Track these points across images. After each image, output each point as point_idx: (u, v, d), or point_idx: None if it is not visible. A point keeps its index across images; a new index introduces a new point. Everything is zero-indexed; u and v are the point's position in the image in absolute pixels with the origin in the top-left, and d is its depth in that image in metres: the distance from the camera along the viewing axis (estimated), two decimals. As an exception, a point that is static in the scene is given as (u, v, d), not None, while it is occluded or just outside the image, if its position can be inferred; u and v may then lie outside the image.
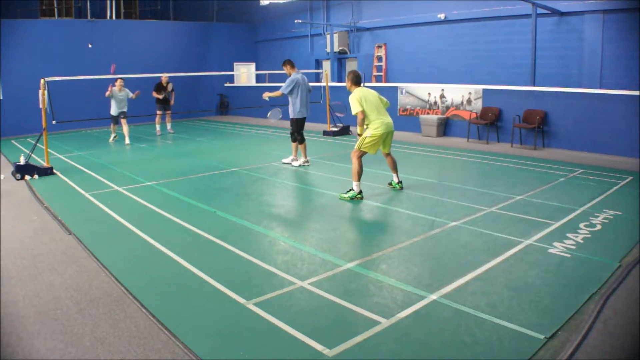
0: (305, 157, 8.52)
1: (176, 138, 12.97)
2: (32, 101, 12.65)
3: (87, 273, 4.08)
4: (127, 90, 11.74)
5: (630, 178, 7.25)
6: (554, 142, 10.17)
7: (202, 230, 5.08)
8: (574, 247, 4.44)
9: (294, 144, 8.43)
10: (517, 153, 9.70)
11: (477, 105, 11.53)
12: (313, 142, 11.71)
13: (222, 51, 19.45)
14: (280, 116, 8.58)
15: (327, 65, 17.15)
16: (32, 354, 2.88)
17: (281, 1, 18.13)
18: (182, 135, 13.45)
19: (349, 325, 3.14)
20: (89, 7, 17.00)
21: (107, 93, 11.49)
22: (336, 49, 16.60)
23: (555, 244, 4.52)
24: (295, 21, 16.93)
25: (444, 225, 5.13)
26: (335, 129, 12.62)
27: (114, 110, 11.74)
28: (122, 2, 19.64)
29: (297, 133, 8.32)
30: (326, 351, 2.84)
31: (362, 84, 6.47)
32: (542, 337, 2.95)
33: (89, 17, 16.72)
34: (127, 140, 11.82)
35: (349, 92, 6.38)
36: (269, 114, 8.62)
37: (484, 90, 11.42)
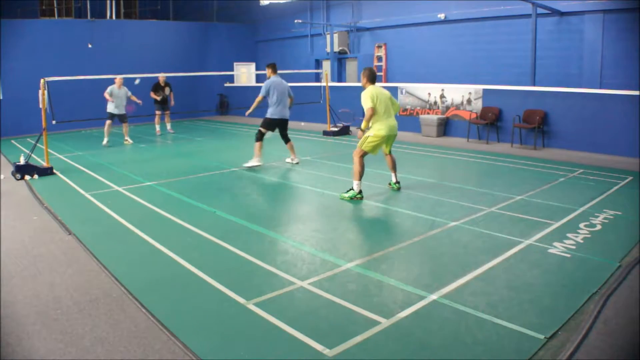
0: (295, 155, 8.67)
1: (176, 138, 12.97)
2: (32, 101, 12.65)
3: (87, 273, 4.08)
4: (126, 88, 11.65)
5: (630, 178, 7.25)
6: (554, 142, 10.16)
7: (202, 230, 5.08)
8: (574, 247, 4.44)
9: (257, 144, 8.32)
10: (517, 153, 9.70)
11: (477, 105, 11.53)
12: (313, 142, 11.72)
13: (222, 51, 19.45)
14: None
15: (327, 65, 17.14)
16: (32, 354, 2.88)
17: (281, 1, 18.13)
18: (182, 135, 13.45)
19: (349, 325, 3.14)
20: (89, 7, 17.01)
21: (106, 93, 11.29)
22: (336, 49, 16.60)
23: (555, 244, 4.52)
24: (295, 21, 16.93)
25: (444, 225, 5.13)
26: (335, 129, 12.62)
27: (112, 108, 11.40)
28: (122, 2, 19.65)
29: (264, 132, 8.33)
30: (326, 351, 2.84)
31: (376, 83, 6.46)
32: (542, 337, 2.95)
33: (89, 17, 16.72)
34: (127, 139, 11.79)
35: (356, 91, 6.41)
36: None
37: (484, 90, 11.42)
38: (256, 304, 3.43)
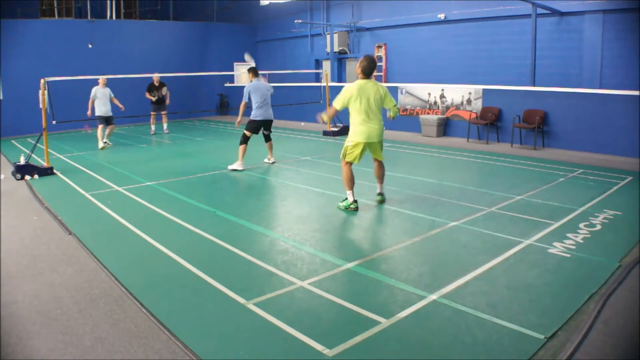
0: (272, 155, 8.83)
1: (176, 138, 12.97)
2: (32, 101, 12.64)
3: (87, 273, 4.08)
4: (109, 89, 11.38)
5: (630, 178, 7.25)
6: (554, 142, 10.16)
7: (202, 230, 5.08)
8: (574, 247, 4.44)
9: (241, 147, 8.30)
10: (517, 153, 9.70)
11: (477, 105, 11.53)
12: (313, 142, 11.72)
13: (222, 51, 19.44)
14: (252, 59, 9.23)
15: (327, 66, 17.13)
16: (32, 354, 2.88)
17: (281, 1, 18.12)
18: (182, 135, 13.45)
19: (349, 325, 3.14)
20: (89, 7, 17.01)
21: (91, 99, 11.06)
22: (336, 49, 16.60)
23: (555, 244, 4.52)
24: (295, 21, 16.92)
25: (444, 225, 5.13)
26: (335, 129, 12.62)
27: (99, 110, 11.10)
28: (122, 2, 19.65)
29: (248, 135, 8.38)
30: (326, 351, 2.84)
31: (372, 76, 5.69)
32: (542, 337, 2.95)
33: (89, 17, 16.72)
34: (107, 141, 11.58)
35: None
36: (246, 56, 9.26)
37: (484, 90, 11.42)
38: (256, 304, 3.43)
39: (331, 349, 2.86)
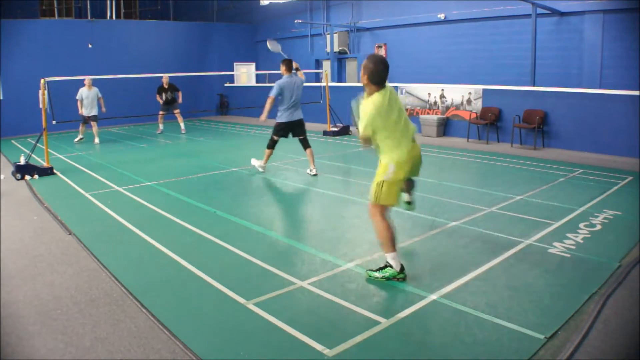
0: (313, 166, 7.75)
1: (176, 138, 12.97)
2: (32, 101, 12.64)
3: (87, 273, 4.08)
4: (96, 89, 11.74)
5: (630, 178, 7.25)
6: (554, 142, 10.16)
7: (202, 230, 5.08)
8: (574, 247, 4.44)
9: (267, 151, 7.69)
10: (517, 153, 9.70)
11: (477, 105, 11.53)
12: (313, 142, 11.66)
13: (222, 51, 19.45)
14: (279, 46, 7.82)
15: (327, 66, 17.14)
16: (32, 354, 2.88)
17: (281, 1, 18.12)
18: (182, 135, 13.45)
19: (349, 325, 3.14)
20: (89, 7, 17.00)
21: (78, 100, 11.53)
22: (336, 49, 16.60)
23: (555, 244, 4.52)
24: (295, 21, 16.93)
25: (444, 225, 5.13)
26: (335, 129, 12.62)
27: (82, 111, 11.71)
28: (122, 2, 19.65)
29: (275, 139, 7.62)
30: (326, 351, 2.84)
31: (385, 83, 3.75)
32: (542, 337, 2.95)
33: (89, 17, 16.71)
34: (96, 140, 11.92)
35: (356, 91, 4.45)
36: (269, 44, 7.87)
37: (484, 90, 11.42)
38: (256, 304, 3.42)
39: (331, 349, 2.86)
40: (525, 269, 4.00)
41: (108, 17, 17.70)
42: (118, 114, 12.64)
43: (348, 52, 16.71)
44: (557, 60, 11.33)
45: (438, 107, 12.42)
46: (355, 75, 16.02)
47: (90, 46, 16.04)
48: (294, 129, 7.65)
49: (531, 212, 5.52)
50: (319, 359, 2.79)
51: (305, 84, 8.13)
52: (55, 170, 8.33)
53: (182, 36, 18.69)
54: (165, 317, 3.26)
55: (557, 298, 3.50)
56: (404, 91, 13.18)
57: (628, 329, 3.11)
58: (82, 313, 3.37)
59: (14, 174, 7.89)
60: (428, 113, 12.59)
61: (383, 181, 3.74)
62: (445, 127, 12.25)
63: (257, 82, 20.16)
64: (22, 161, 7.95)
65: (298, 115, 7.62)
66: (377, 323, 3.15)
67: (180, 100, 13.54)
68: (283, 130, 7.59)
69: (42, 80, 8.27)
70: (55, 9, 18.32)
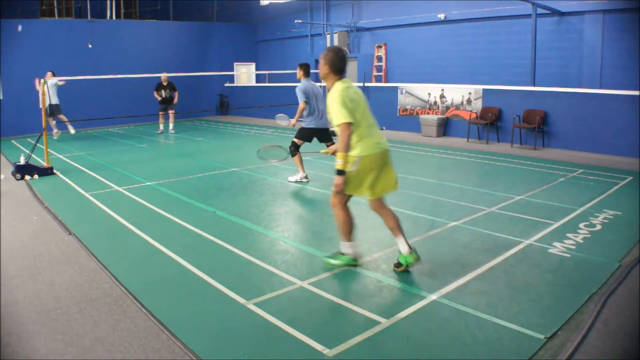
0: (304, 171, 7.52)
1: (176, 138, 12.97)
2: (32, 101, 12.66)
3: (87, 273, 4.08)
4: (55, 79, 11.66)
5: (630, 178, 7.26)
6: (554, 142, 10.17)
7: (202, 230, 5.08)
8: (574, 247, 4.44)
9: (295, 159, 7.35)
10: (517, 153, 9.70)
11: (477, 105, 11.53)
12: (313, 141, 11.69)
13: (222, 51, 19.45)
14: (287, 122, 7.51)
15: (327, 66, 17.12)
16: (32, 354, 2.88)
17: (281, 1, 18.13)
18: (182, 135, 13.45)
19: (349, 325, 3.14)
20: (89, 7, 17.01)
21: (39, 87, 11.14)
22: (336, 49, 16.59)
23: (555, 244, 4.52)
24: (295, 21, 16.93)
25: (444, 225, 5.13)
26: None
27: (48, 101, 11.30)
28: (122, 2, 19.65)
29: (298, 144, 7.31)
30: (326, 351, 2.84)
31: (344, 74, 3.89)
32: (542, 337, 2.95)
33: (89, 17, 16.72)
34: (71, 130, 12.12)
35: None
36: (278, 118, 7.67)
37: (484, 90, 11.43)
38: (256, 304, 3.42)
39: (331, 349, 2.86)
40: (525, 269, 4.00)
41: (108, 17, 17.70)
42: (118, 114, 12.65)
43: (348, 52, 16.71)
44: (557, 60, 11.34)
45: (438, 107, 12.42)
46: (355, 75, 16.04)
47: (90, 46, 16.04)
48: (321, 135, 7.39)
49: (531, 212, 5.52)
50: (319, 359, 2.79)
51: None
52: (55, 170, 8.33)
53: (182, 36, 18.70)
54: (165, 317, 3.26)
55: (557, 298, 3.50)
56: (404, 91, 13.18)
57: (628, 329, 3.11)
58: (82, 313, 3.37)
59: (14, 174, 7.89)
60: (428, 113, 12.59)
61: (347, 172, 3.77)
62: (445, 127, 12.25)
63: (257, 82, 20.16)
64: (22, 161, 7.95)
65: (325, 122, 7.27)
66: (377, 323, 3.15)
67: (175, 100, 13.54)
68: (308, 135, 7.32)
69: (40, 80, 8.27)
70: (55, 9, 18.33)
